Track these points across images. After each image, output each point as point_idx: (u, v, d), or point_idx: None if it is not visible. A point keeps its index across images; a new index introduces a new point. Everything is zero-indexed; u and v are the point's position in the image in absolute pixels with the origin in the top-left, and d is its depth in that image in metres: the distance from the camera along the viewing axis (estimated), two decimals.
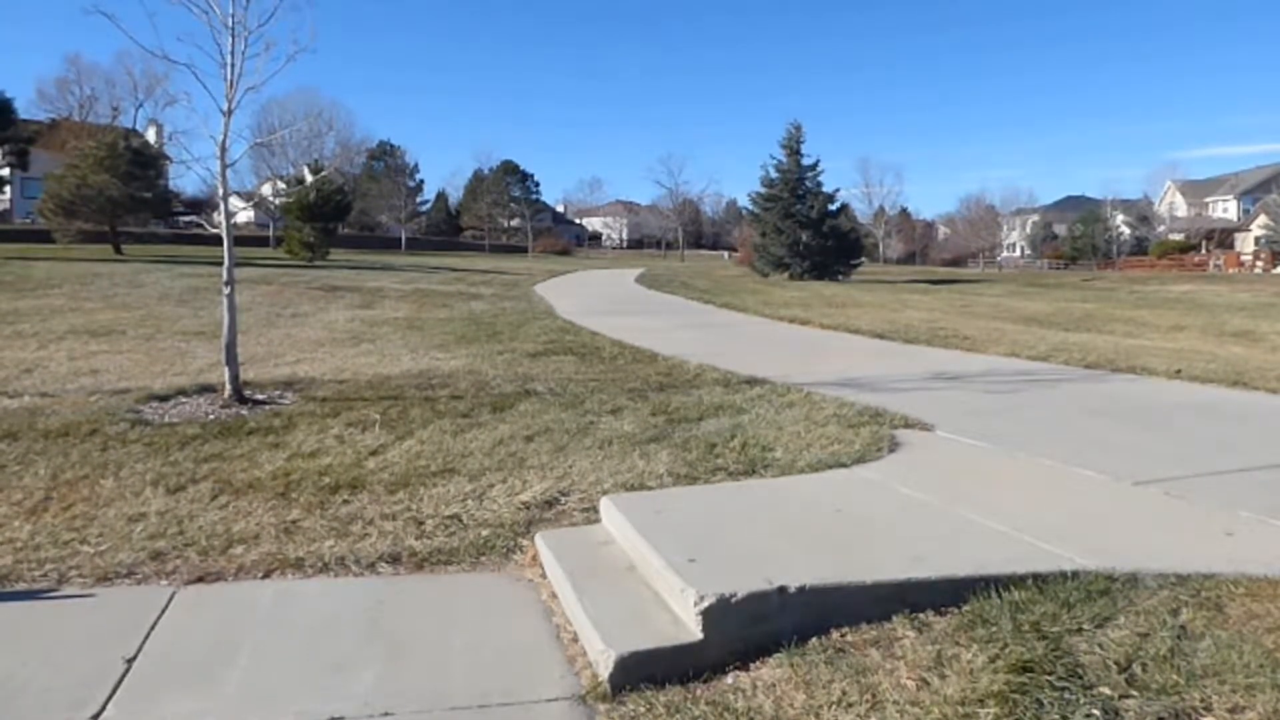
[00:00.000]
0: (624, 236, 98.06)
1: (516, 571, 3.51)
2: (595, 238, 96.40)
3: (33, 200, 37.48)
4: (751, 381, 7.23)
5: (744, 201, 47.21)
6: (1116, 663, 2.47)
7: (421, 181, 78.75)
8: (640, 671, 2.61)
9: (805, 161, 36.65)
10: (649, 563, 3.18)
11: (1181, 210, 71.86)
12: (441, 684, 2.64)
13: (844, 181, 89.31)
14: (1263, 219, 58.05)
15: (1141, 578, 2.99)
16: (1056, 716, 2.26)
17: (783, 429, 5.35)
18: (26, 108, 44.61)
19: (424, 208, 79.62)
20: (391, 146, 77.00)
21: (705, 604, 2.74)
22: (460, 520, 3.94)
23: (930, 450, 4.98)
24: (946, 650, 2.62)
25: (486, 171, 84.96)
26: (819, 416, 5.69)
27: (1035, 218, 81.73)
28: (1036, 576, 2.98)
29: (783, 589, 2.82)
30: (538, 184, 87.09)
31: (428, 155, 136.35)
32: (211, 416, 5.84)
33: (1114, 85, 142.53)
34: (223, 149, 6.45)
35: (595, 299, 19.06)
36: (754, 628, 2.77)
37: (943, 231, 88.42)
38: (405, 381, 7.15)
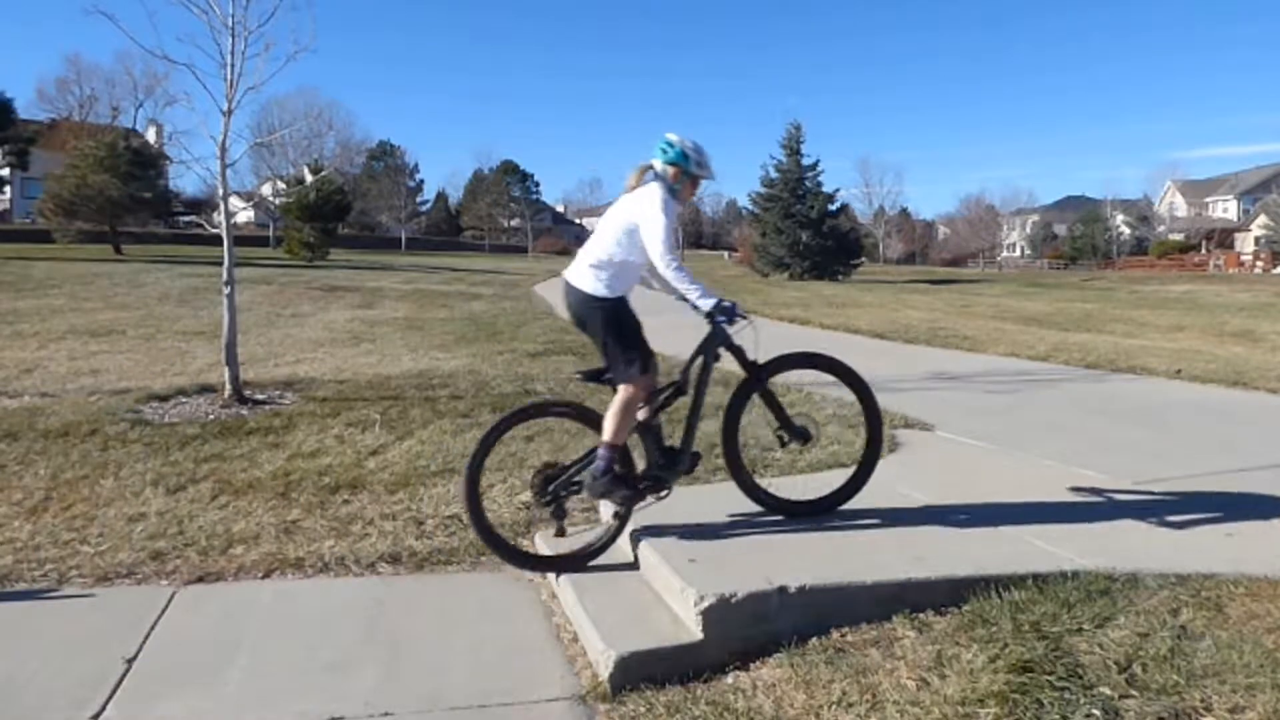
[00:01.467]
0: None
1: (516, 571, 3.51)
2: None
3: (33, 200, 37.47)
4: None
5: (744, 201, 47.30)
6: (1116, 663, 2.47)
7: (421, 181, 78.81)
8: (640, 671, 2.61)
9: (805, 161, 36.72)
10: (649, 562, 3.17)
11: (1181, 210, 71.85)
12: (441, 684, 2.64)
13: (844, 181, 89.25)
14: (1263, 219, 58.03)
15: (1141, 578, 2.98)
16: (1056, 716, 2.26)
17: None
18: (26, 108, 44.64)
19: (424, 208, 79.60)
20: (391, 146, 76.97)
21: (705, 604, 2.74)
22: (460, 520, 3.94)
23: (930, 450, 4.98)
24: (946, 650, 2.62)
25: (486, 171, 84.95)
26: (819, 416, 5.68)
27: (1035, 218, 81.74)
28: (1036, 576, 2.98)
29: (783, 589, 2.82)
30: (538, 184, 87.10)
31: (428, 155, 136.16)
32: (211, 416, 5.84)
33: (1114, 85, 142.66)
34: (223, 149, 6.45)
35: None
36: (754, 628, 2.77)
37: (943, 231, 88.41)
38: (405, 381, 7.15)
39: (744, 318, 3.43)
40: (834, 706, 2.41)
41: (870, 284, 32.13)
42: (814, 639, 2.75)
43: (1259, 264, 49.51)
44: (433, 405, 6.20)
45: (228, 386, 6.29)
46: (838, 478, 3.66)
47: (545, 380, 7.26)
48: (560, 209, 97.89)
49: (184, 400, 6.34)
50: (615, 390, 3.36)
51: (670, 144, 3.44)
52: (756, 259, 37.14)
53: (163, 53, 6.61)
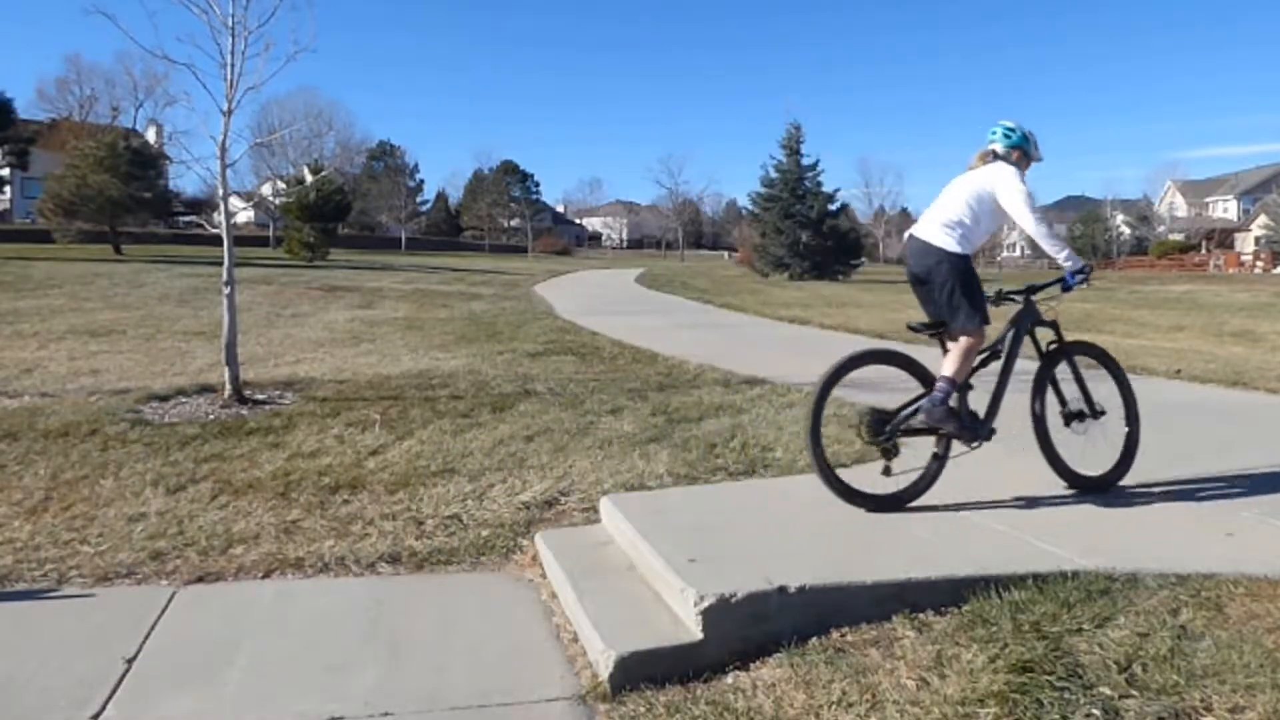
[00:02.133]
0: (624, 236, 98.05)
1: (516, 571, 3.51)
2: (595, 238, 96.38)
3: (33, 200, 37.46)
4: (751, 382, 7.23)
5: (744, 201, 47.31)
6: (1116, 663, 2.47)
7: (421, 181, 78.92)
8: (640, 671, 2.61)
9: (805, 161, 36.71)
10: (649, 563, 3.18)
11: (1181, 210, 71.86)
12: (441, 684, 2.63)
13: (844, 181, 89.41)
14: (1263, 219, 58.08)
15: (1141, 578, 2.98)
16: (1056, 716, 2.26)
17: (783, 429, 5.35)
18: (26, 108, 44.68)
19: (424, 208, 79.65)
20: (391, 146, 77.06)
21: (705, 604, 2.74)
22: (460, 520, 3.94)
23: (930, 450, 4.96)
24: (946, 650, 2.62)
25: (486, 171, 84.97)
26: None
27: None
28: (1036, 576, 2.98)
29: (783, 589, 2.82)
30: (538, 184, 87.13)
31: (428, 155, 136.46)
32: (211, 416, 5.84)
33: (1114, 85, 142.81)
34: (223, 149, 6.45)
35: (595, 299, 19.06)
36: (754, 628, 2.76)
37: None
38: (405, 381, 7.15)
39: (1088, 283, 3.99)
40: (834, 706, 2.41)
41: (870, 284, 32.13)
42: (814, 639, 2.75)
43: (1259, 264, 49.51)
44: (433, 405, 6.20)
45: (228, 386, 6.29)
46: (1107, 459, 4.06)
47: (545, 380, 7.26)
48: (560, 209, 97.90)
49: (184, 400, 6.34)
50: (949, 341, 3.89)
51: (1011, 130, 3.98)
52: (756, 259, 37.12)
53: (163, 53, 6.63)
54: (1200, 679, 2.37)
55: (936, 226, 3.83)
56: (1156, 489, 4.14)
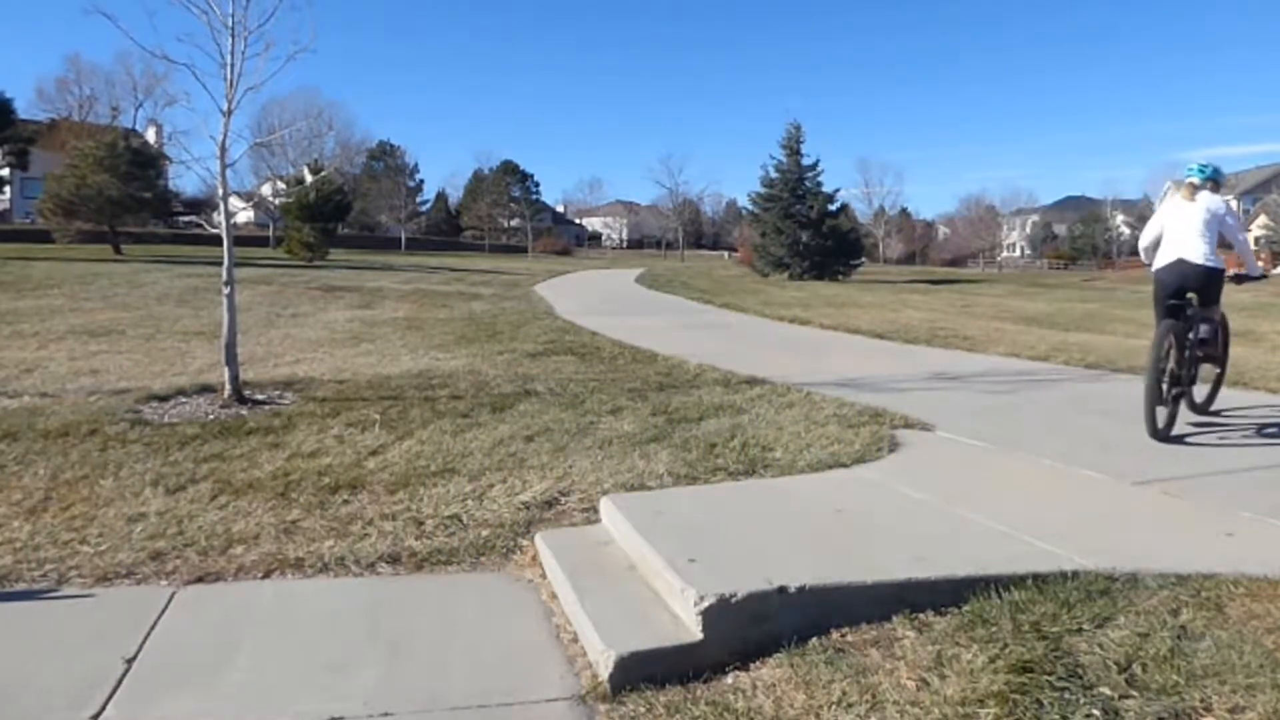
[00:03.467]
0: (624, 236, 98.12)
1: (516, 571, 3.51)
2: (595, 238, 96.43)
3: (33, 200, 37.49)
4: (751, 381, 7.23)
5: (744, 201, 47.25)
6: (1116, 663, 2.47)
7: (421, 181, 78.98)
8: (640, 671, 2.61)
9: (805, 161, 36.70)
10: (649, 563, 3.18)
11: None
12: (441, 684, 2.63)
13: (844, 181, 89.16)
14: (1263, 219, 58.09)
15: (1141, 578, 2.98)
16: (1056, 716, 2.26)
17: (783, 429, 5.35)
18: (26, 108, 44.75)
19: (424, 208, 79.71)
20: (391, 146, 77.09)
21: (705, 604, 2.74)
22: (460, 520, 3.94)
23: (930, 450, 4.98)
24: (946, 650, 2.62)
25: (486, 171, 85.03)
26: (819, 416, 5.69)
27: (1035, 218, 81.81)
28: (1036, 576, 2.98)
29: (783, 589, 2.82)
30: (538, 184, 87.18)
31: (428, 155, 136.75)
32: (211, 416, 5.83)
33: (1114, 85, 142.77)
34: (223, 149, 6.45)
35: (595, 299, 19.06)
36: (754, 628, 2.76)
37: (943, 231, 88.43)
38: (405, 381, 7.15)
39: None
40: (834, 706, 2.41)
41: (870, 284, 32.13)
42: (814, 639, 2.75)
43: (1259, 264, 49.50)
44: (432, 405, 6.20)
45: (227, 386, 6.29)
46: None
47: (545, 380, 7.26)
48: (560, 209, 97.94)
49: (184, 400, 6.34)
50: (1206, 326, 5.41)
51: (1205, 166, 5.43)
52: (756, 259, 37.11)
53: (163, 53, 6.62)
54: (1200, 679, 2.37)
55: (1203, 253, 5.17)
56: (1156, 489, 4.14)
